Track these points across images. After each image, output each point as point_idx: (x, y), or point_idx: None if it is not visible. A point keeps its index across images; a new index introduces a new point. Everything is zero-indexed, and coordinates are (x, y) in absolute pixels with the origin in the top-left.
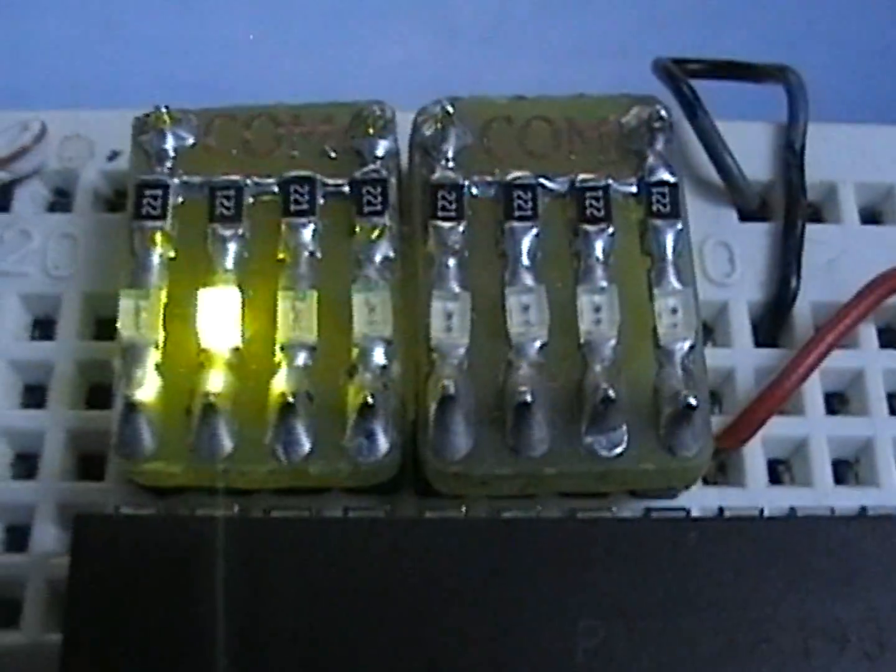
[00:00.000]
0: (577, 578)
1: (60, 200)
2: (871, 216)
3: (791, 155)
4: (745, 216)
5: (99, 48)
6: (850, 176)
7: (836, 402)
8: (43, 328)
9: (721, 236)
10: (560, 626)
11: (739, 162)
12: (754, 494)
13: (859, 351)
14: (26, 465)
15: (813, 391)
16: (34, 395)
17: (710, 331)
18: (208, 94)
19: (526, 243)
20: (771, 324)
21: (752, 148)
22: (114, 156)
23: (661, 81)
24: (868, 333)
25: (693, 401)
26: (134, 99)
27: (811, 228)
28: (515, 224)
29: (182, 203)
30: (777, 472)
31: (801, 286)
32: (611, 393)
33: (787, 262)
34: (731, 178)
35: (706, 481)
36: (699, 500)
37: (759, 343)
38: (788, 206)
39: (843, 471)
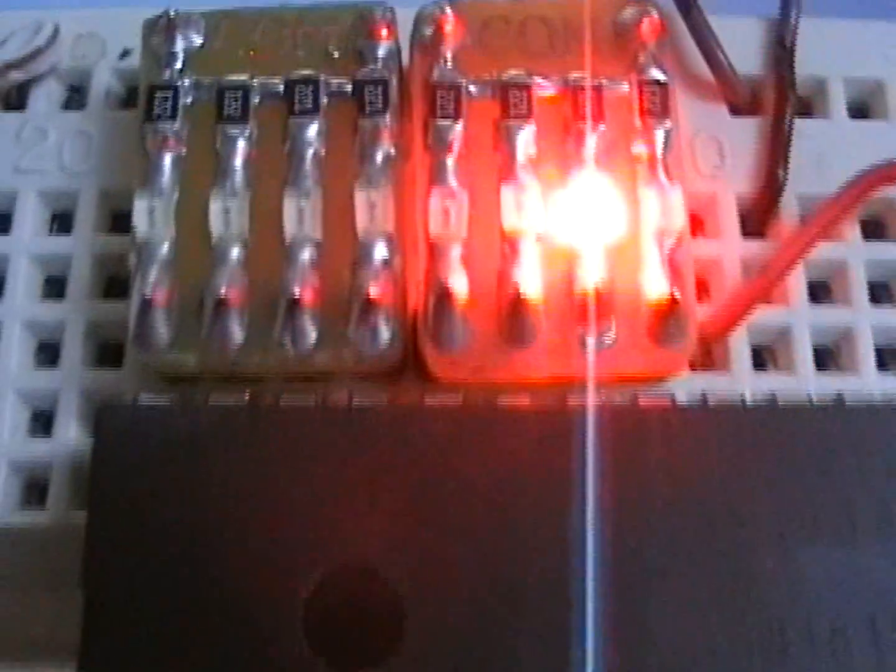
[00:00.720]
0: (566, 461)
1: (74, 97)
2: (859, 111)
3: (781, 50)
4: (736, 111)
5: None
6: (839, 71)
7: (819, 292)
8: (61, 223)
9: (712, 130)
10: (551, 503)
11: (731, 57)
12: (738, 380)
13: (843, 243)
14: (49, 354)
15: (797, 281)
16: (54, 288)
17: (699, 222)
18: None
19: (521, 141)
20: (758, 215)
21: (743, 43)
22: (125, 54)
23: None
24: (852, 226)
25: (678, 294)
26: None
27: (800, 123)
28: (511, 122)
29: (191, 104)
30: (761, 358)
31: (789, 179)
32: (598, 287)
33: (774, 154)
34: (722, 74)
35: (693, 367)
36: (686, 385)
37: (746, 234)
38: (778, 101)
39: (825, 358)
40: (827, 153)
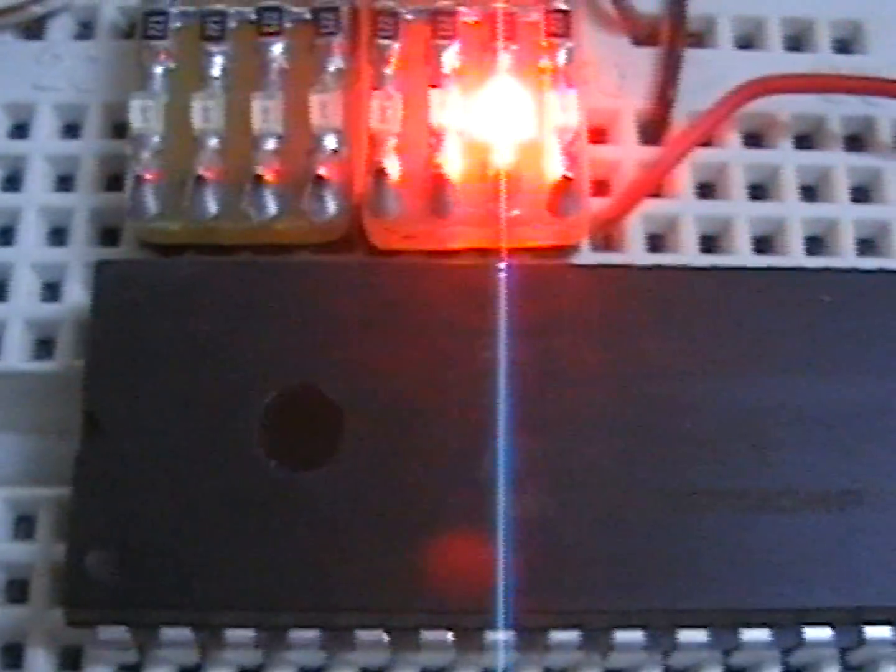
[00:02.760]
0: (481, 308)
1: (85, 31)
2: (744, 44)
3: None
4: (637, 42)
5: None
6: (727, 10)
7: (706, 191)
8: (72, 132)
9: (616, 59)
10: (468, 341)
11: None
12: (633, 259)
13: (725, 149)
14: (59, 236)
15: (684, 179)
16: (65, 183)
17: (604, 133)
18: None
19: (447, 57)
20: (652, 127)
21: None
22: None
23: None
24: (733, 136)
25: (570, 174)
26: None
27: (692, 52)
28: (439, 42)
29: (179, 28)
30: (655, 245)
31: (680, 99)
32: (506, 171)
33: (666, 76)
34: (623, 11)
35: (594, 249)
36: (588, 262)
37: (645, 143)
38: (671, 34)
39: (708, 245)
40: (713, 78)
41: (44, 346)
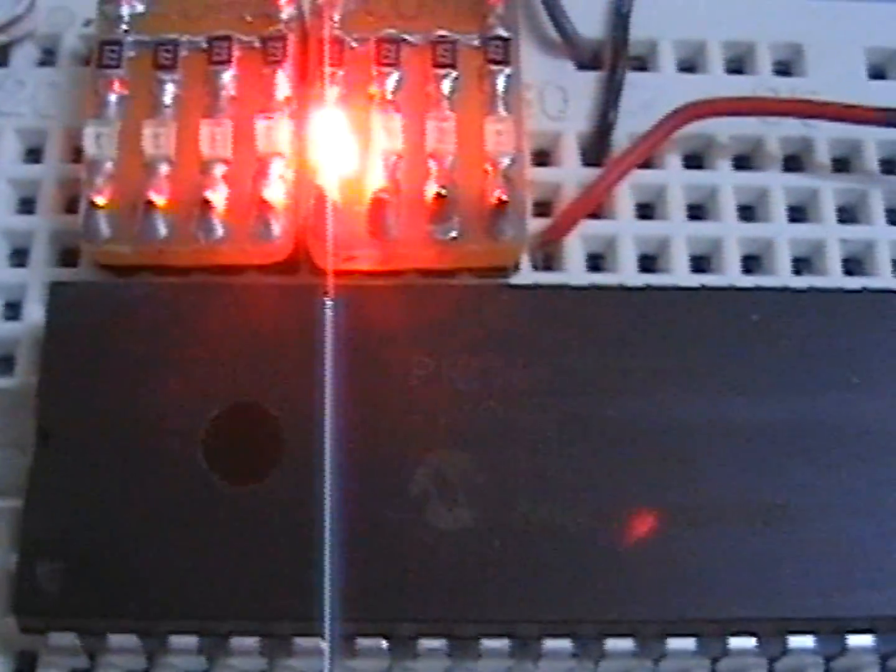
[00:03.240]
0: (418, 327)
1: (48, 58)
2: (685, 67)
3: (618, 17)
4: (580, 66)
5: None
6: (669, 34)
7: (647, 211)
8: (34, 155)
9: (559, 82)
10: (404, 360)
11: (576, 22)
12: (573, 279)
13: (665, 171)
14: (20, 257)
15: (624, 200)
16: (26, 205)
17: (547, 154)
18: None
19: (391, 84)
20: (594, 149)
21: (585, 9)
22: (88, 23)
23: None
24: (673, 157)
25: (506, 198)
26: None
27: (634, 76)
28: (384, 69)
29: (133, 57)
30: (594, 265)
31: (621, 120)
32: (443, 192)
33: (607, 99)
34: (566, 35)
35: (535, 269)
36: (527, 281)
37: (586, 164)
38: (613, 58)
39: (648, 265)
40: (655, 100)
41: (5, 363)
